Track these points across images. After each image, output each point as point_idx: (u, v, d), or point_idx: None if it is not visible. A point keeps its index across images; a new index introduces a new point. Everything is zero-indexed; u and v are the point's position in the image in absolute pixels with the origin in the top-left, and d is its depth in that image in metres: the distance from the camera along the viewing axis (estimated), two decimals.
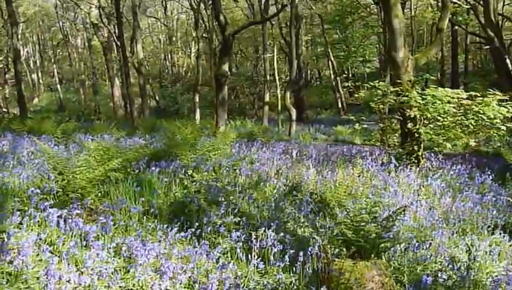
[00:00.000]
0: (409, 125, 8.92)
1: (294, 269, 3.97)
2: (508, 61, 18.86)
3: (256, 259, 4.08)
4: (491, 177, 7.68)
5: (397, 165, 8.34)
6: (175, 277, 3.66)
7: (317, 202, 6.16)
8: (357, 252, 3.85)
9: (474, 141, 8.58)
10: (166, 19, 35.73)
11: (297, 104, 27.16)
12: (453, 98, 8.52)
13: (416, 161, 8.95)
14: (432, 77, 9.45)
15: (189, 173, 6.11)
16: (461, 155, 10.05)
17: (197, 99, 22.83)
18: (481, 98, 8.07)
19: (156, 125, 16.25)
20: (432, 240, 4.83)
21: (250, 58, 29.15)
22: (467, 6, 18.70)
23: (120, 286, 3.52)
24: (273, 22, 21.11)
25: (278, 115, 20.18)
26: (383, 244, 4.15)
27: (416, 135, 8.96)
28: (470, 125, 8.73)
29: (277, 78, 20.31)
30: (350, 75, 32.13)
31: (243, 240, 4.37)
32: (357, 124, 9.32)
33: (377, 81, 9.40)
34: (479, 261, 4.44)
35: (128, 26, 27.35)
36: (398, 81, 9.01)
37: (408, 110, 8.74)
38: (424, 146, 9.45)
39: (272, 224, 4.72)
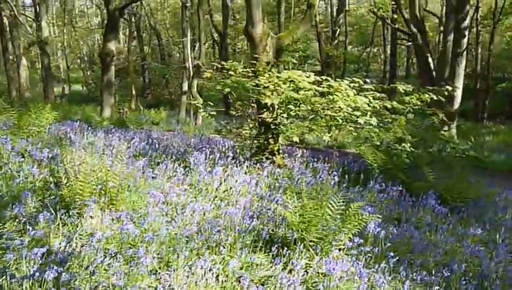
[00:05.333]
0: (264, 114, 7.61)
1: None
2: (430, 60, 18.00)
3: None
4: (336, 179, 6.42)
5: (240, 159, 7.00)
6: None
7: None
8: None
9: (330, 136, 7.26)
10: None
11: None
12: (309, 82, 7.21)
13: (270, 157, 7.64)
14: (294, 60, 7.97)
15: None
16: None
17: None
18: (328, 84, 6.76)
19: None
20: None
21: (179, 45, 27.31)
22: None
23: None
24: (188, 4, 19.50)
25: (189, 104, 18.63)
26: None
27: (272, 126, 7.66)
28: (339, 119, 7.47)
29: (190, 65, 18.63)
30: None
31: None
32: (203, 112, 7.95)
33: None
34: None
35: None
36: (253, 62, 7.66)
37: (262, 97, 7.39)
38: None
39: None
